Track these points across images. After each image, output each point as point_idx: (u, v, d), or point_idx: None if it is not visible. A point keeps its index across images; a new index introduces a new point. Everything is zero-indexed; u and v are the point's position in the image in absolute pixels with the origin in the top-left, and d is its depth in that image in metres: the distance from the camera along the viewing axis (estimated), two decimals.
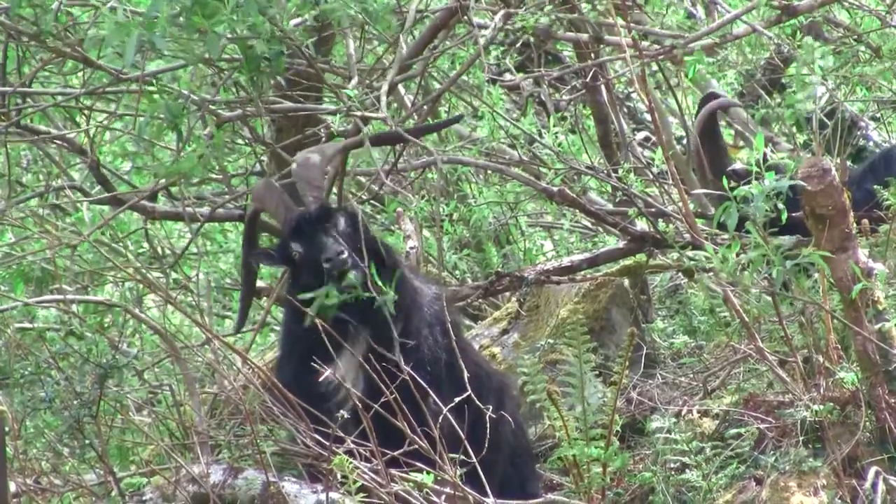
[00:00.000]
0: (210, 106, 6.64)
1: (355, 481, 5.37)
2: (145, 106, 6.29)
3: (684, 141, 9.17)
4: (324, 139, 7.57)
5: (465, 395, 5.77)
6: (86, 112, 7.76)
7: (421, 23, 7.14)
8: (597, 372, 6.34)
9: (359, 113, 6.29)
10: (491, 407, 5.83)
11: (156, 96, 6.25)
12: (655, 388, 7.08)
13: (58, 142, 7.91)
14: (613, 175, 8.03)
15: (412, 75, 6.99)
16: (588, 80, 8.42)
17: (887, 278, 5.86)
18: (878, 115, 9.88)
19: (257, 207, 6.08)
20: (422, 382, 5.62)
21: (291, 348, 6.01)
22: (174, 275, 8.27)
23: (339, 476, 5.40)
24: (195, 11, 5.82)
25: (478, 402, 5.78)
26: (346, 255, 5.71)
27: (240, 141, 8.14)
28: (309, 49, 6.50)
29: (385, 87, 6.22)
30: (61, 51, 6.70)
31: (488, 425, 5.78)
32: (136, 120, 7.77)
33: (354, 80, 6.50)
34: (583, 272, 7.80)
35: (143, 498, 5.94)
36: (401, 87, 8.27)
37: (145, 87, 6.31)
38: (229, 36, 5.97)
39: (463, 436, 5.63)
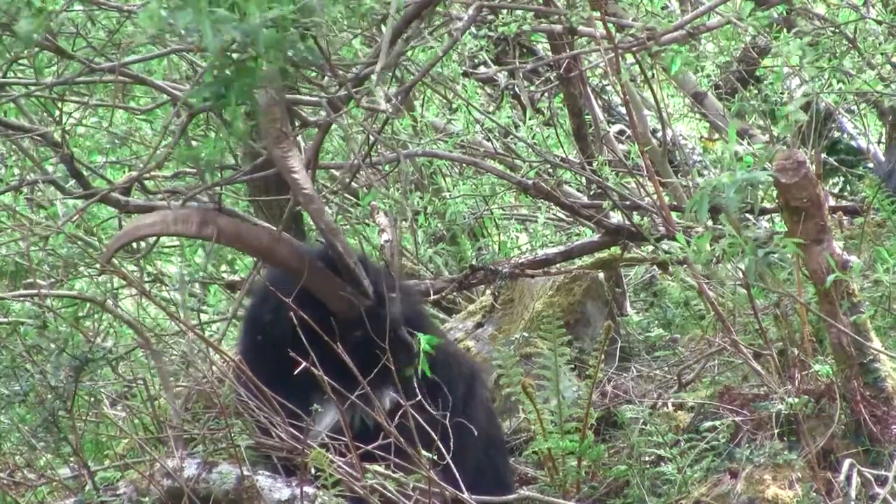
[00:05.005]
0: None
1: (331, 475, 5.36)
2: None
3: (659, 134, 9.17)
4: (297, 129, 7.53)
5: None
6: (58, 105, 7.70)
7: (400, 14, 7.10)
8: (572, 365, 6.34)
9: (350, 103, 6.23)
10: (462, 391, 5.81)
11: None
12: (630, 381, 7.09)
13: (31, 135, 7.85)
14: (588, 168, 8.02)
15: (385, 66, 6.93)
16: (562, 72, 8.41)
17: (862, 270, 5.86)
18: (854, 107, 9.90)
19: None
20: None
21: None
22: (149, 268, 8.23)
23: (312, 470, 5.38)
24: None
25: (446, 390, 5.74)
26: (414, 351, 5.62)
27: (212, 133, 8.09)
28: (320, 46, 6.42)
29: (375, 78, 6.17)
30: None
31: (459, 411, 5.74)
32: (112, 112, 7.77)
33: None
34: (558, 265, 7.80)
35: (118, 492, 5.91)
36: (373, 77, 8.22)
37: (121, 78, 6.25)
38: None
39: (434, 432, 5.58)
